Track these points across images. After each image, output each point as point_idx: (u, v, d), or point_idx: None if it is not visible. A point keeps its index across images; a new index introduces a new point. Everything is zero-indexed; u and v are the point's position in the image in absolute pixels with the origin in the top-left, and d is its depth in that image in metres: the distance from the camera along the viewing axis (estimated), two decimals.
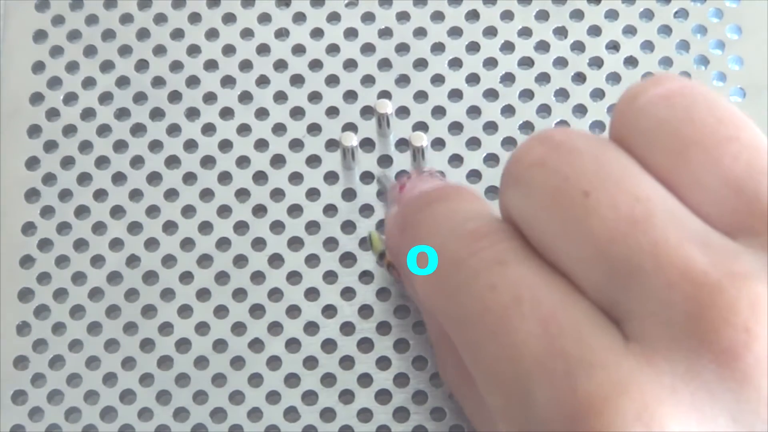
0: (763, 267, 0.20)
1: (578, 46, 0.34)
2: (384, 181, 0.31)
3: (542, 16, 0.34)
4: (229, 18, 0.35)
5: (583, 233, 0.21)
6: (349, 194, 0.33)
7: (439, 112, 0.33)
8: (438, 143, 0.33)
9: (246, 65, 0.34)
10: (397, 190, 0.28)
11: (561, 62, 0.34)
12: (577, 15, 0.34)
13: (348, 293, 0.32)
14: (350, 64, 0.34)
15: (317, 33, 0.34)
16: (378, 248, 0.30)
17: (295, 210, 0.33)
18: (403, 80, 0.34)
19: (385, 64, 0.34)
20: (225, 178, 0.33)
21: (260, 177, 0.33)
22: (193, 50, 0.34)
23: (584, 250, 0.21)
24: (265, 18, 0.35)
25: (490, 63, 0.34)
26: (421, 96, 0.34)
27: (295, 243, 0.32)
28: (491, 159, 0.33)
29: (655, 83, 0.23)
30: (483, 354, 0.21)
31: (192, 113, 0.34)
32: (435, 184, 0.27)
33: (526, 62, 0.34)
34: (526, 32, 0.34)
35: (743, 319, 0.20)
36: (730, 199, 0.21)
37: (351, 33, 0.34)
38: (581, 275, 0.21)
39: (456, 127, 0.33)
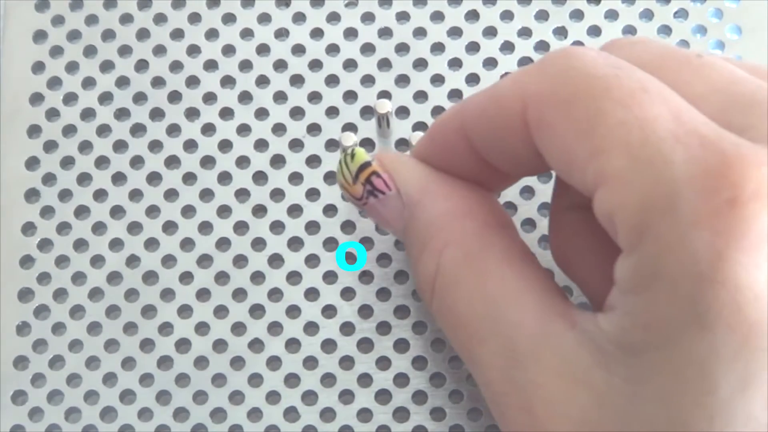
0: None
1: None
2: None
3: (542, 16, 0.34)
4: (228, 18, 0.35)
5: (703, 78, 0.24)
6: None
7: (439, 112, 0.33)
8: None
9: (246, 65, 0.34)
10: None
11: None
12: (577, 15, 0.34)
13: (348, 293, 0.32)
14: (350, 64, 0.34)
15: (317, 33, 0.34)
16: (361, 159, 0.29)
17: (295, 210, 0.33)
18: (402, 80, 0.34)
19: (384, 64, 0.34)
20: (225, 178, 0.33)
21: (260, 177, 0.33)
22: (193, 50, 0.34)
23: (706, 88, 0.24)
24: (265, 18, 0.35)
25: (490, 63, 0.34)
26: (421, 96, 0.34)
27: (295, 243, 0.32)
28: None
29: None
30: (610, 122, 0.23)
31: (192, 113, 0.34)
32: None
33: (526, 62, 0.34)
34: (525, 32, 0.34)
35: None
36: None
37: (351, 33, 0.34)
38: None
39: None
